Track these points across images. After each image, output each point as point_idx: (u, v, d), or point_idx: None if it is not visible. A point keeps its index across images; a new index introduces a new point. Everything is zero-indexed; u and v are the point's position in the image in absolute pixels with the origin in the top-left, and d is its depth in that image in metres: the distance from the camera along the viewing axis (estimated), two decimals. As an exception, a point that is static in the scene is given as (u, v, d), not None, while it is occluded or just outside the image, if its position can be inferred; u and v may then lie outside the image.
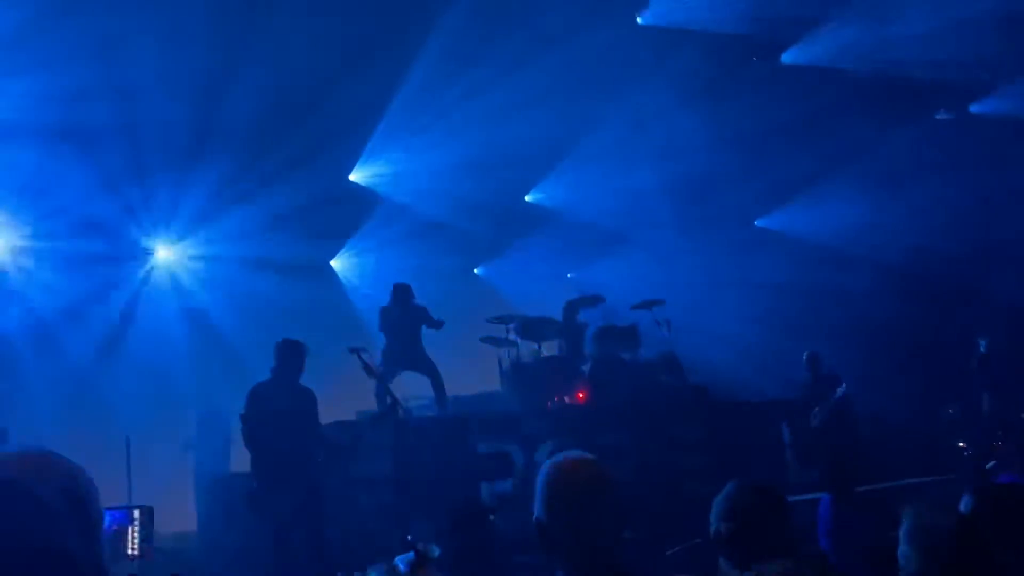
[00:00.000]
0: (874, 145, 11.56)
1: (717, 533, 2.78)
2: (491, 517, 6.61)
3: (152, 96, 8.85)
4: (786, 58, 11.00)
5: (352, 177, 11.83)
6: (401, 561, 2.27)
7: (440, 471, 7.85)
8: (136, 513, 1.87)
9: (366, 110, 10.29)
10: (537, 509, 2.26)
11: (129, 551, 1.86)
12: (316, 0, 8.66)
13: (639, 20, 10.46)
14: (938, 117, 11.93)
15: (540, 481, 2.28)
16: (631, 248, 13.08)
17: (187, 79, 8.82)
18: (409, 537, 4.21)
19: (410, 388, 9.54)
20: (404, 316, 9.31)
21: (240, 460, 7.77)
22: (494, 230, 12.85)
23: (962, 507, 2.94)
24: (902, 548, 2.77)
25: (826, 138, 11.38)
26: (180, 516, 8.40)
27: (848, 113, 11.20)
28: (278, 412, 6.62)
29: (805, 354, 10.19)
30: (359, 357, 6.68)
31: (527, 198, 12.98)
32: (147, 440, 8.96)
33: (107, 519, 1.83)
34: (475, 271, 14.29)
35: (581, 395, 9.49)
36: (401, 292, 9.42)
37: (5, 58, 8.13)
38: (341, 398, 8.77)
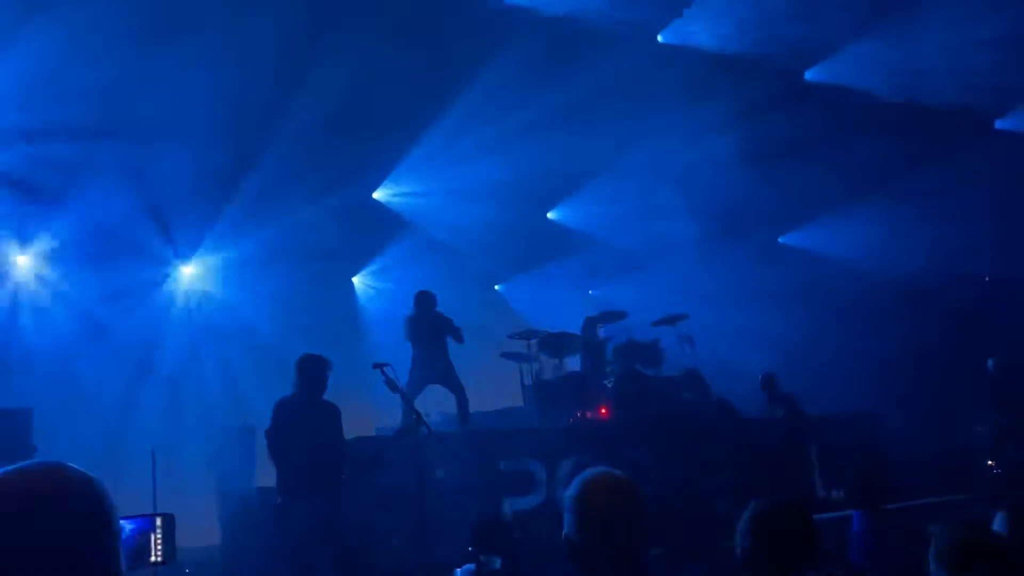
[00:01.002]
0: (898, 165, 11.52)
1: (743, 551, 2.75)
2: (515, 534, 6.60)
3: (185, 113, 8.97)
4: (809, 75, 11.00)
5: (376, 195, 11.93)
6: (463, 573, 2.29)
7: (462, 487, 7.85)
8: (158, 521, 1.92)
9: (392, 130, 10.37)
10: (567, 525, 2.26)
11: (152, 558, 1.91)
12: (351, 25, 8.75)
13: (659, 39, 10.52)
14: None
15: (570, 497, 2.28)
16: (653, 266, 13.07)
17: (223, 96, 8.92)
18: (471, 548, 4.20)
19: (432, 404, 9.55)
20: (428, 323, 9.32)
21: (264, 475, 7.81)
22: (516, 248, 12.89)
23: (996, 525, 2.91)
24: (933, 568, 2.74)
25: (849, 157, 11.35)
26: (204, 530, 8.44)
27: (871, 133, 11.17)
28: (302, 427, 6.64)
29: (761, 375, 10.07)
30: (382, 373, 6.68)
31: (549, 215, 13.03)
32: (172, 454, 9.02)
33: (130, 527, 1.87)
34: (496, 288, 14.34)
35: (603, 411, 9.47)
36: (424, 299, 9.42)
37: (38, 73, 8.29)
38: (364, 414, 8.82)
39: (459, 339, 9.34)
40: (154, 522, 1.90)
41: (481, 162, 10.95)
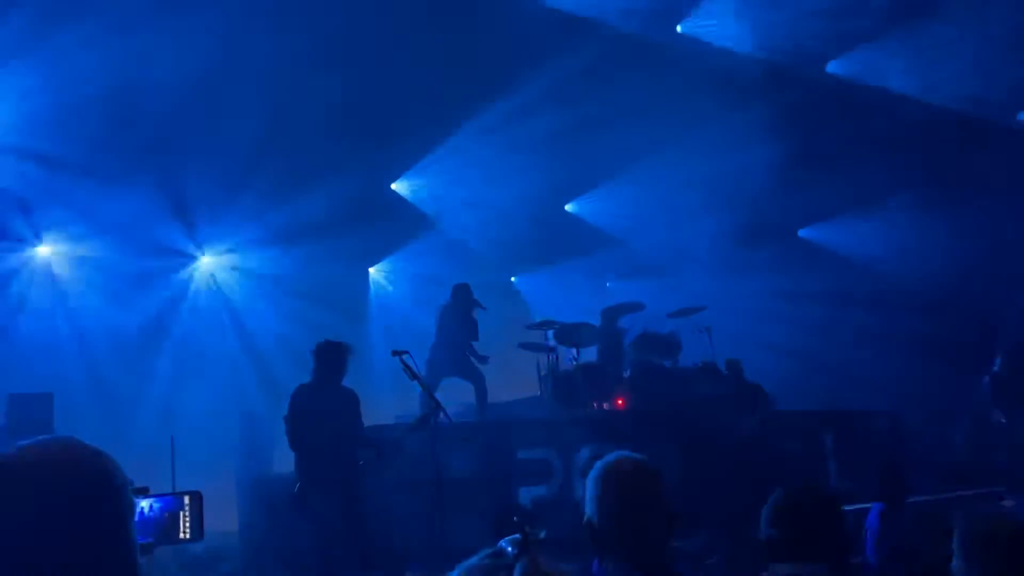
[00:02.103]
0: (921, 166, 11.47)
1: (769, 539, 2.71)
2: (532, 523, 6.62)
3: (204, 105, 9.01)
4: (831, 68, 10.93)
5: (394, 187, 11.97)
6: (507, 543, 2.28)
7: (480, 476, 7.88)
8: (186, 499, 1.94)
9: (414, 124, 10.38)
10: (588, 509, 2.27)
11: (181, 535, 1.93)
12: (373, 20, 8.79)
13: (679, 28, 10.47)
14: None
15: (591, 481, 2.29)
16: (673, 265, 13.02)
17: (244, 88, 8.96)
18: (516, 518, 4.19)
19: (451, 393, 9.60)
20: (461, 316, 9.41)
21: (282, 461, 7.87)
22: (534, 240, 12.89)
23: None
24: (956, 561, 2.72)
25: (872, 160, 11.30)
26: (222, 516, 8.50)
27: (896, 135, 11.12)
28: (321, 413, 6.68)
29: (724, 360, 9.69)
30: (402, 361, 6.70)
31: (567, 207, 13.00)
32: (191, 440, 9.10)
33: (158, 505, 1.90)
34: (512, 280, 14.35)
35: (620, 401, 9.46)
36: (460, 292, 9.54)
37: (58, 73, 8.36)
38: (382, 402, 8.87)
39: (474, 338, 9.51)
40: (182, 500, 1.92)
41: (502, 156, 10.95)
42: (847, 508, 5.98)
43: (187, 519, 1.93)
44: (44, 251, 11.06)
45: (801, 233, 13.72)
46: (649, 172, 11.51)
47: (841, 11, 9.67)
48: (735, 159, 11.15)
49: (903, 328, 11.93)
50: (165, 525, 1.89)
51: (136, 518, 1.81)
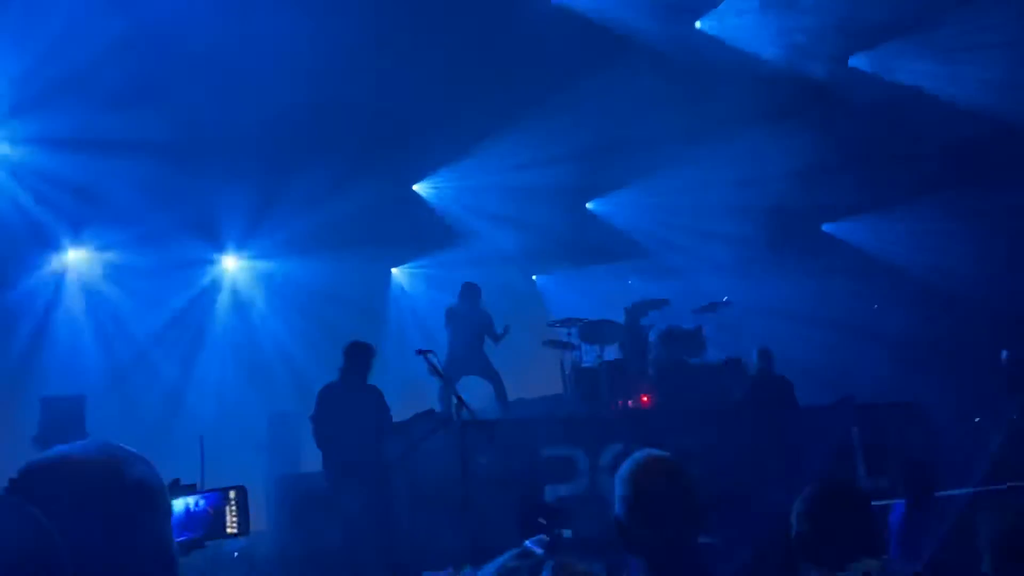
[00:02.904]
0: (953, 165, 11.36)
1: (799, 536, 2.70)
2: (557, 522, 6.64)
3: (230, 106, 9.11)
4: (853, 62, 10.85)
5: (416, 188, 12.03)
6: (534, 543, 2.31)
7: (505, 474, 7.90)
8: (232, 493, 1.98)
9: (439, 124, 10.43)
10: (617, 507, 2.28)
11: (228, 530, 1.98)
12: (398, 25, 8.87)
13: (697, 25, 10.45)
14: None
15: (620, 479, 2.30)
16: (696, 265, 12.96)
17: (272, 89, 9.07)
18: (542, 520, 4.22)
19: (473, 391, 9.63)
20: (470, 316, 9.43)
21: (309, 461, 7.94)
22: (557, 239, 12.89)
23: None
24: (986, 560, 2.71)
25: (900, 161, 11.25)
26: (252, 515, 8.58)
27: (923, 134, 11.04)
28: (348, 412, 6.75)
29: (756, 349, 9.36)
30: (426, 359, 6.76)
31: (588, 205, 12.99)
32: (220, 440, 9.20)
33: (204, 501, 1.94)
34: (533, 278, 14.36)
35: (645, 399, 9.45)
36: (469, 291, 9.55)
37: (76, 71, 8.48)
38: (405, 400, 8.92)
39: (496, 339, 9.49)
40: (227, 495, 1.96)
41: (525, 157, 10.97)
42: (879, 504, 5.97)
43: (234, 514, 1.97)
44: (74, 255, 11.24)
45: (825, 228, 13.62)
46: (674, 171, 11.49)
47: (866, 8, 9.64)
48: (761, 158, 11.11)
49: (932, 326, 11.82)
50: (212, 521, 1.94)
51: (184, 515, 1.86)
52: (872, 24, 9.99)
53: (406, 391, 9.09)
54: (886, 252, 12.86)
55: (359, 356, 6.92)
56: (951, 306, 11.83)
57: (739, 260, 12.59)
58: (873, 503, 6.16)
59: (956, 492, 7.40)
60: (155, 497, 1.36)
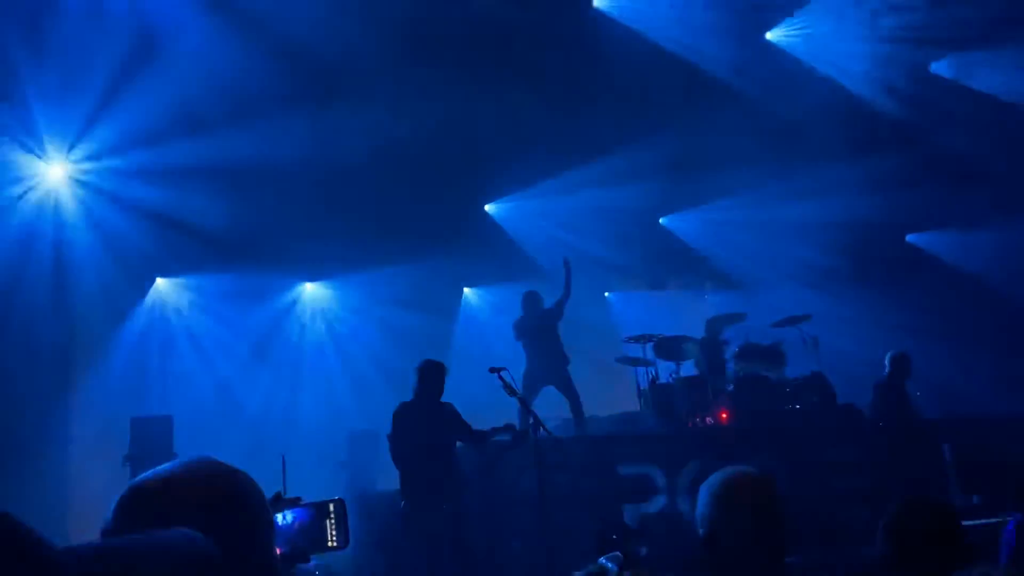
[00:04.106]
0: None
1: (884, 558, 2.62)
2: (633, 540, 6.55)
3: (317, 136, 9.43)
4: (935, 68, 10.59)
5: (487, 208, 12.12)
6: (608, 560, 2.28)
7: (581, 492, 7.84)
8: (331, 506, 2.01)
9: (510, 147, 10.56)
10: (705, 526, 2.22)
11: (329, 543, 2.01)
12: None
13: (767, 36, 10.37)
14: None
15: (708, 497, 2.23)
16: (771, 281, 12.72)
17: (345, 114, 9.31)
18: (614, 536, 4.18)
19: (547, 410, 9.60)
20: (536, 324, 9.41)
21: (387, 478, 8.01)
22: (630, 256, 12.82)
23: None
24: None
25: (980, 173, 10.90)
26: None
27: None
28: (423, 430, 6.79)
29: (889, 354, 8.62)
30: (500, 377, 6.77)
31: (660, 220, 12.88)
32: (302, 458, 9.36)
33: (303, 516, 1.98)
34: (606, 295, 14.27)
35: (724, 415, 9.26)
36: (529, 300, 9.54)
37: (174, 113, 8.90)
38: (481, 419, 8.95)
39: (558, 317, 9.51)
40: (327, 508, 1.99)
41: (598, 180, 11.00)
42: (974, 523, 5.71)
43: (333, 527, 2.01)
44: (161, 283, 11.71)
45: (909, 239, 13.23)
46: (749, 188, 11.35)
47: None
48: (839, 173, 10.90)
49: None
50: (315, 533, 1.98)
51: (287, 528, 1.89)
52: (952, 32, 9.75)
53: (478, 410, 9.14)
54: (972, 265, 12.45)
55: (431, 374, 6.97)
56: None
57: (820, 274, 12.32)
58: (978, 521, 5.91)
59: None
60: (259, 509, 1.37)
